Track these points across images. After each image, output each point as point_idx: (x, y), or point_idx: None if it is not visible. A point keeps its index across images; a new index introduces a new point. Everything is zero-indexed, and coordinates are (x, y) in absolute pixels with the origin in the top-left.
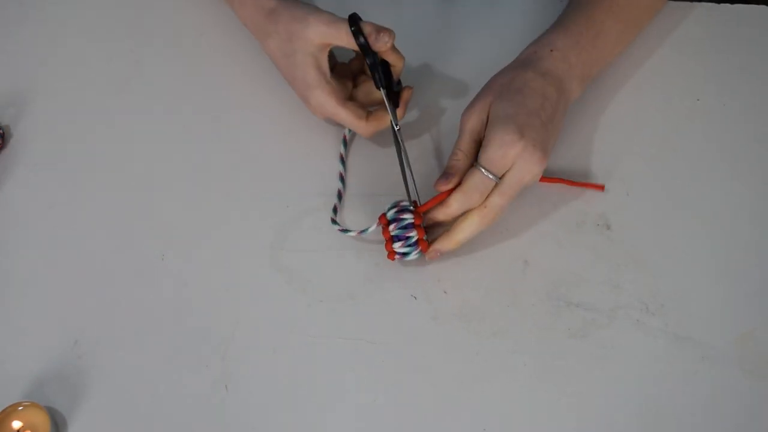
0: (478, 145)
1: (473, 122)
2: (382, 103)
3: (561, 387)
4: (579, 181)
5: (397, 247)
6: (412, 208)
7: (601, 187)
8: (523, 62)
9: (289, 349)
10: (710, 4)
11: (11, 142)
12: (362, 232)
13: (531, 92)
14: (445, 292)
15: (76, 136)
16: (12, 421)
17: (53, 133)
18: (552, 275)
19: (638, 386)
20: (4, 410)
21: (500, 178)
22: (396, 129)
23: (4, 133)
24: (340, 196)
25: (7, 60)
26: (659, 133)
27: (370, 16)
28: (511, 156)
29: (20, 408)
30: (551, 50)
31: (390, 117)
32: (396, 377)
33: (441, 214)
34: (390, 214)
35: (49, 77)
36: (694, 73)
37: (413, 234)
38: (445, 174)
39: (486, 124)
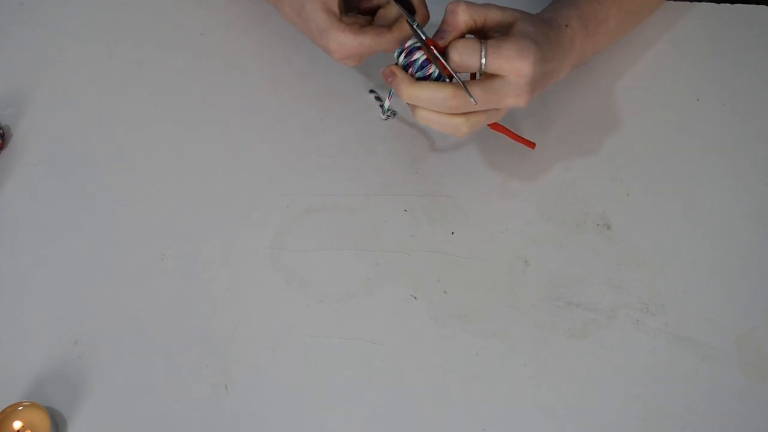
0: (479, 21)
1: (494, 11)
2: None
3: (561, 387)
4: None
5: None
6: (419, 44)
7: (532, 145)
8: (548, 21)
9: (289, 349)
10: (710, 4)
11: (11, 142)
12: (387, 113)
13: (550, 43)
14: (445, 292)
15: (76, 136)
16: (12, 421)
17: (53, 133)
18: (552, 275)
19: (638, 386)
20: (4, 410)
21: (492, 77)
22: (415, 27)
23: (4, 133)
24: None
25: (7, 60)
26: (659, 133)
27: None
28: (515, 68)
29: (20, 408)
30: (566, 25)
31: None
32: (396, 377)
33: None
34: (402, 60)
35: (49, 77)
36: (694, 73)
37: (433, 69)
38: (440, 30)
39: (493, 26)
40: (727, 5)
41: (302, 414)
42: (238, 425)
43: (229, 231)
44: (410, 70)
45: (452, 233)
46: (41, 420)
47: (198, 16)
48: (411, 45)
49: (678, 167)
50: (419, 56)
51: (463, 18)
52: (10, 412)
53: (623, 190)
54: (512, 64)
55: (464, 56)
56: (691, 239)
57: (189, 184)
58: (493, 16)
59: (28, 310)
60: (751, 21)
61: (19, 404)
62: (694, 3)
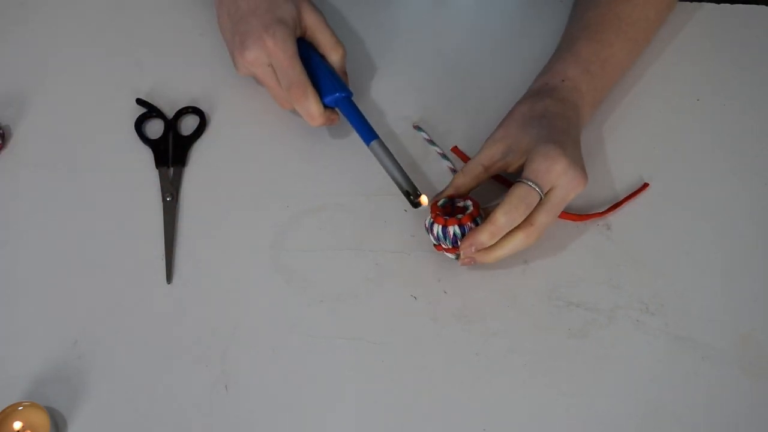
0: (486, 175)
1: (491, 150)
2: None
3: (561, 387)
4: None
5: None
6: (432, 219)
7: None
8: (537, 93)
9: (289, 349)
10: (710, 4)
11: (11, 142)
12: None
13: (554, 116)
14: (445, 292)
15: (76, 136)
16: (12, 421)
17: (53, 133)
18: (552, 275)
19: (638, 386)
20: (4, 410)
21: (545, 195)
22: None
23: (4, 133)
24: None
25: (7, 60)
26: (659, 134)
27: (361, 17)
28: (557, 170)
29: (20, 408)
30: (562, 80)
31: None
32: (396, 377)
33: (486, 233)
34: (432, 240)
35: (49, 77)
36: (694, 73)
37: (453, 231)
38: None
39: (505, 154)
40: (727, 5)
41: (302, 414)
42: (238, 425)
43: (230, 231)
44: (439, 242)
45: None
46: (41, 420)
47: (198, 15)
48: (429, 222)
49: (677, 167)
50: (437, 229)
51: (462, 182)
52: (10, 412)
53: (623, 190)
54: (552, 171)
55: (528, 200)
56: (691, 239)
57: (188, 183)
58: (490, 153)
59: (28, 309)
60: (751, 21)
61: (19, 404)
62: (693, 3)
